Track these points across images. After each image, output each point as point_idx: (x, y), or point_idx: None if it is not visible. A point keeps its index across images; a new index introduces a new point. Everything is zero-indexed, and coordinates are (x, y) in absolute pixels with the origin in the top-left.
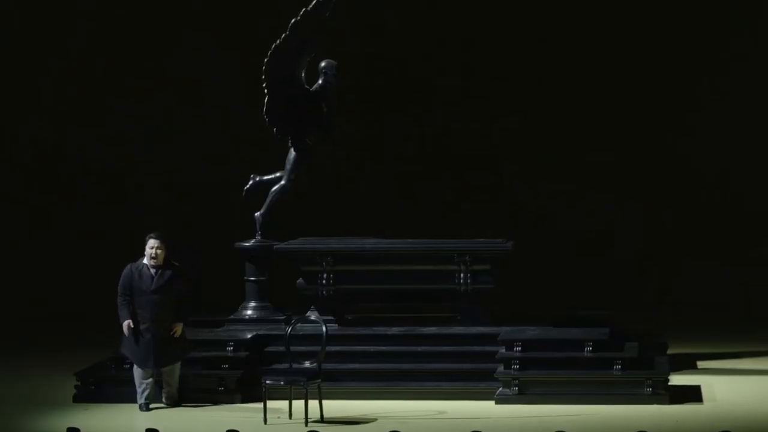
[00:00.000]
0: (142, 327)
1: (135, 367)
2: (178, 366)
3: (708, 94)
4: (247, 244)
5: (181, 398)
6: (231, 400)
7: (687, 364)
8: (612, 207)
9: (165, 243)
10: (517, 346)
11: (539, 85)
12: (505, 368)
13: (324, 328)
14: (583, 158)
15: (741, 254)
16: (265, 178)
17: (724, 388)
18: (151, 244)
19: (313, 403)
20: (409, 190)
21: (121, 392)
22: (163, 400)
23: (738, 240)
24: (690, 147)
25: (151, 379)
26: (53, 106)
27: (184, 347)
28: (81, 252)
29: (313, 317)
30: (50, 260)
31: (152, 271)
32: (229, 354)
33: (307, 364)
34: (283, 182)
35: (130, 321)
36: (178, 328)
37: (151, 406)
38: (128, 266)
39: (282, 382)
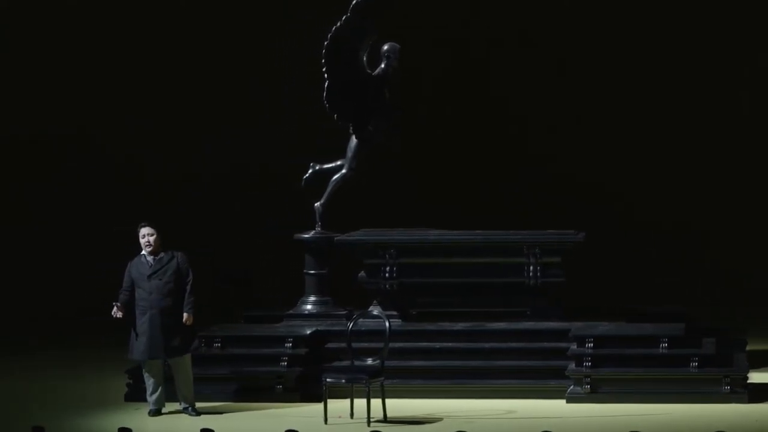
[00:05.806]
0: (144, 317)
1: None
2: (187, 361)
3: None
4: (306, 235)
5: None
6: (290, 399)
7: (767, 362)
8: (690, 199)
9: (157, 230)
10: (589, 342)
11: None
12: (576, 365)
13: (387, 324)
14: (660, 150)
15: None
16: (325, 166)
17: None
18: (143, 233)
19: (376, 402)
20: (476, 179)
21: (173, 391)
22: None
23: None
24: None
25: (152, 380)
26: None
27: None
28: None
29: (375, 312)
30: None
31: (149, 258)
32: (287, 350)
33: (369, 361)
34: (344, 171)
35: (119, 304)
36: (189, 319)
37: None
38: (128, 263)
39: (343, 380)
